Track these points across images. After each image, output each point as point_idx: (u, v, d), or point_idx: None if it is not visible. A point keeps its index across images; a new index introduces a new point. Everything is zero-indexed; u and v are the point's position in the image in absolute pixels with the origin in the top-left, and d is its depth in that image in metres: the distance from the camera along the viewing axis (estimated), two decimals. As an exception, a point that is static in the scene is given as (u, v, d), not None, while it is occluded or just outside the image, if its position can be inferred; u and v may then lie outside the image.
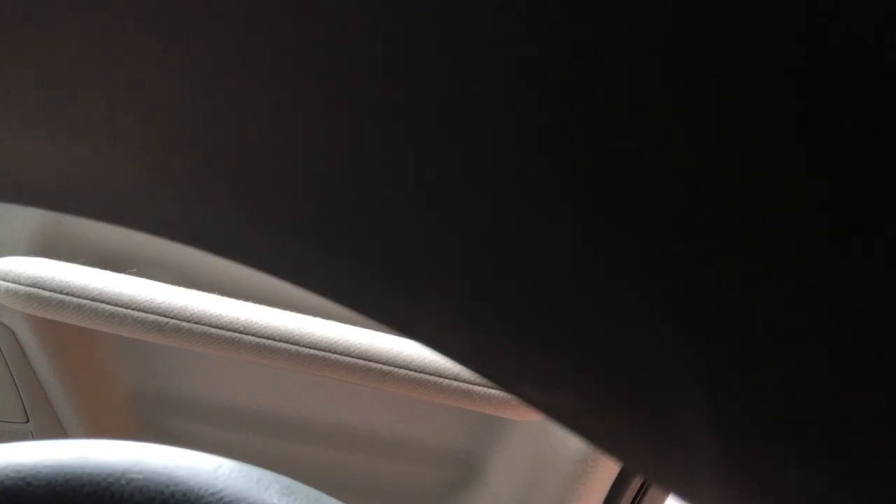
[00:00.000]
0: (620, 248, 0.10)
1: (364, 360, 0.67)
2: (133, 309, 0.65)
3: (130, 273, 0.69)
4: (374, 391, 0.71)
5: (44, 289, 0.65)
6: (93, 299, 0.65)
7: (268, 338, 0.66)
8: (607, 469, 0.75)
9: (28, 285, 0.65)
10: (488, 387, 0.68)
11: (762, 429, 0.11)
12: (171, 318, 0.65)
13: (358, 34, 0.09)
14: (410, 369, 0.67)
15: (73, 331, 0.73)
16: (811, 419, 0.10)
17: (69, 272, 0.67)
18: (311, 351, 0.66)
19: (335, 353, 0.66)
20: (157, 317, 0.65)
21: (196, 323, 0.65)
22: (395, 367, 0.67)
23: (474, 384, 0.68)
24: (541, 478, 0.80)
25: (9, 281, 0.65)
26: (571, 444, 0.76)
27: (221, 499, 0.32)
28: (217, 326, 0.66)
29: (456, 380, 0.68)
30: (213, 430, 0.84)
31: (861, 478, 0.10)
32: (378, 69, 0.09)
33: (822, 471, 0.11)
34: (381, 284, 0.13)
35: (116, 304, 0.65)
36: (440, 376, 0.68)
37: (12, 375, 0.77)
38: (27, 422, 0.80)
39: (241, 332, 0.66)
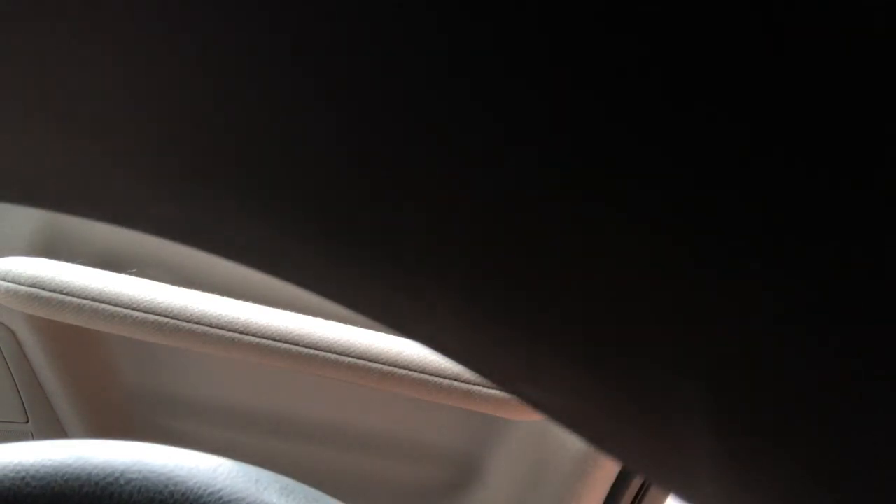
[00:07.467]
0: (621, 248, 0.10)
1: (364, 360, 0.67)
2: (133, 309, 0.65)
3: (130, 273, 0.69)
4: (375, 391, 0.71)
5: (44, 289, 0.65)
6: (93, 299, 0.65)
7: (268, 338, 0.66)
8: (607, 469, 0.75)
9: (28, 285, 0.65)
10: (488, 387, 0.68)
11: (762, 429, 0.11)
12: (171, 318, 0.65)
13: (356, 31, 0.09)
14: (410, 369, 0.67)
15: (73, 331, 0.73)
16: (811, 420, 0.10)
17: (69, 272, 0.67)
18: (311, 351, 0.66)
19: (335, 353, 0.66)
20: (157, 317, 0.65)
21: (196, 323, 0.65)
22: (395, 367, 0.67)
23: (474, 384, 0.68)
24: (541, 478, 0.80)
25: (9, 281, 0.65)
26: (571, 444, 0.76)
27: (220, 498, 0.32)
28: (217, 326, 0.66)
29: (456, 380, 0.68)
30: (213, 430, 0.84)
31: (862, 479, 0.10)
32: (378, 67, 0.09)
33: (822, 472, 0.11)
34: (381, 284, 0.13)
35: (116, 304, 0.65)
36: (440, 376, 0.68)
37: (12, 375, 0.77)
38: (27, 422, 0.80)
39: (241, 332, 0.66)
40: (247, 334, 0.66)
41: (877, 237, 0.08)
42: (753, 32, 0.07)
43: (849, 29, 0.07)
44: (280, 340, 0.66)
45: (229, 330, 0.66)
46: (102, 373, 0.81)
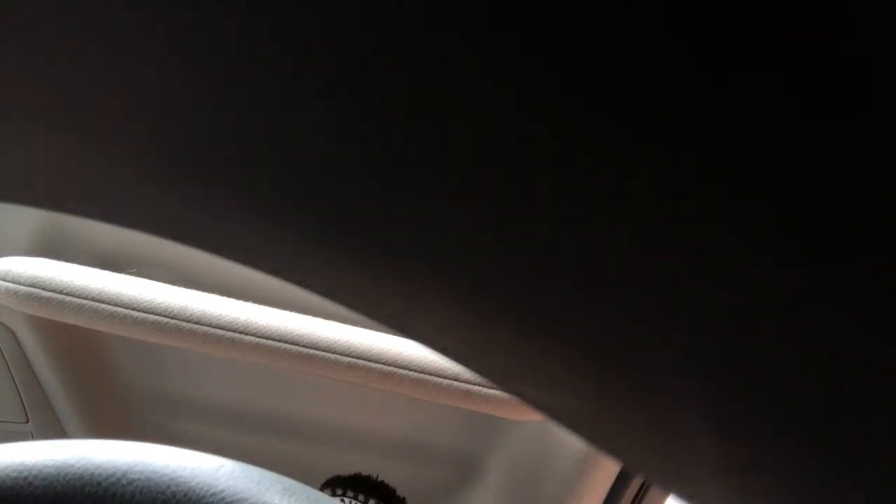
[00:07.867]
0: (621, 247, 0.10)
1: (364, 360, 0.67)
2: (133, 309, 0.65)
3: (130, 273, 0.69)
4: (374, 391, 0.71)
5: (44, 289, 0.65)
6: (93, 299, 0.65)
7: (268, 338, 0.66)
8: (607, 469, 0.75)
9: (28, 285, 0.65)
10: (488, 387, 0.68)
11: (762, 429, 0.11)
12: (171, 318, 0.65)
13: (354, 31, 0.09)
14: (410, 369, 0.67)
15: (72, 331, 0.73)
16: (811, 420, 0.10)
17: (69, 272, 0.67)
18: (311, 351, 0.66)
19: (335, 353, 0.66)
20: (157, 317, 0.65)
21: (196, 323, 0.65)
22: (396, 367, 0.67)
23: (474, 384, 0.68)
24: (541, 478, 0.80)
25: (9, 281, 0.65)
26: (571, 444, 0.76)
27: (223, 499, 0.32)
28: (217, 326, 0.66)
29: (456, 380, 0.68)
30: (213, 430, 0.84)
31: (861, 478, 0.10)
32: (376, 66, 0.09)
33: (821, 471, 0.11)
34: (381, 284, 0.13)
35: (116, 304, 0.65)
36: (440, 376, 0.68)
37: (12, 375, 0.77)
38: (27, 422, 0.80)
39: (241, 332, 0.66)
40: (247, 334, 0.66)
41: (886, 241, 0.08)
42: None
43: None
44: (280, 340, 0.66)
45: (229, 330, 0.66)
46: (102, 373, 0.81)
